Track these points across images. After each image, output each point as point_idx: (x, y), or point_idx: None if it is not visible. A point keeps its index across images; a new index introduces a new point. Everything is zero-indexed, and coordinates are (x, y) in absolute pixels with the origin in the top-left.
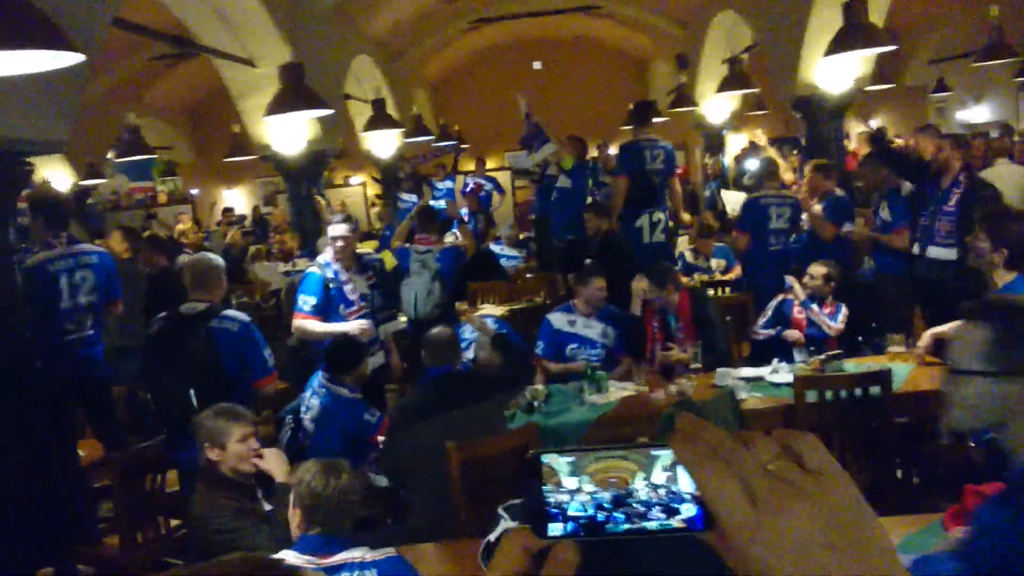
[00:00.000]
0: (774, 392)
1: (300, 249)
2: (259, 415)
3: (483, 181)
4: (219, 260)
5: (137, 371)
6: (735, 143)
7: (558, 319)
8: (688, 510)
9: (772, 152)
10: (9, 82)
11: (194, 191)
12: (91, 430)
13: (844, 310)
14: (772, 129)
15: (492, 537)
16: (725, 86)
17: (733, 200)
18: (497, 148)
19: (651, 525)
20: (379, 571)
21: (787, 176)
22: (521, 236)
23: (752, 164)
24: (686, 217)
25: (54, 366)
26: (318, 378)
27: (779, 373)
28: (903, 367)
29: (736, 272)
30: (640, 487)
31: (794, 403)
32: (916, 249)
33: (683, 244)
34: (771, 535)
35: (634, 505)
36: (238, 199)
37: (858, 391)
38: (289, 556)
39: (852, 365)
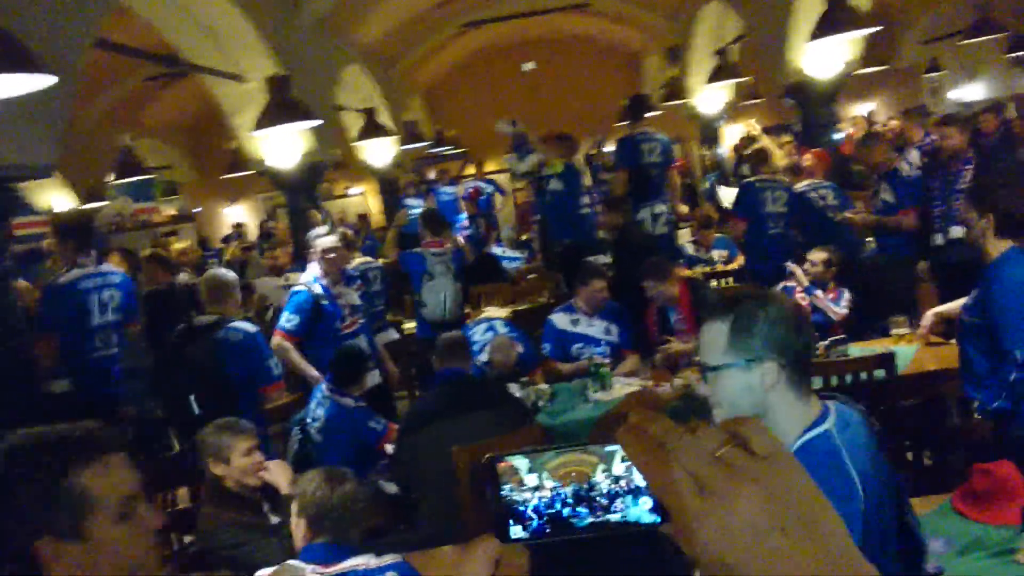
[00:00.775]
0: None
1: (292, 263)
2: (266, 427)
3: (482, 184)
4: (232, 275)
5: (144, 391)
6: (731, 134)
7: (561, 319)
8: (646, 502)
9: (765, 140)
10: None
11: (196, 209)
12: None
13: (847, 295)
14: (766, 117)
15: None
16: (715, 77)
17: (730, 196)
18: (497, 150)
19: (614, 518)
20: None
21: (782, 162)
22: (523, 237)
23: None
24: (683, 209)
25: (81, 384)
26: (321, 389)
27: None
28: (908, 349)
29: (739, 262)
30: (601, 480)
31: None
32: (939, 239)
33: (684, 237)
34: (721, 522)
35: (597, 498)
36: (242, 215)
37: (863, 375)
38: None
39: (856, 349)
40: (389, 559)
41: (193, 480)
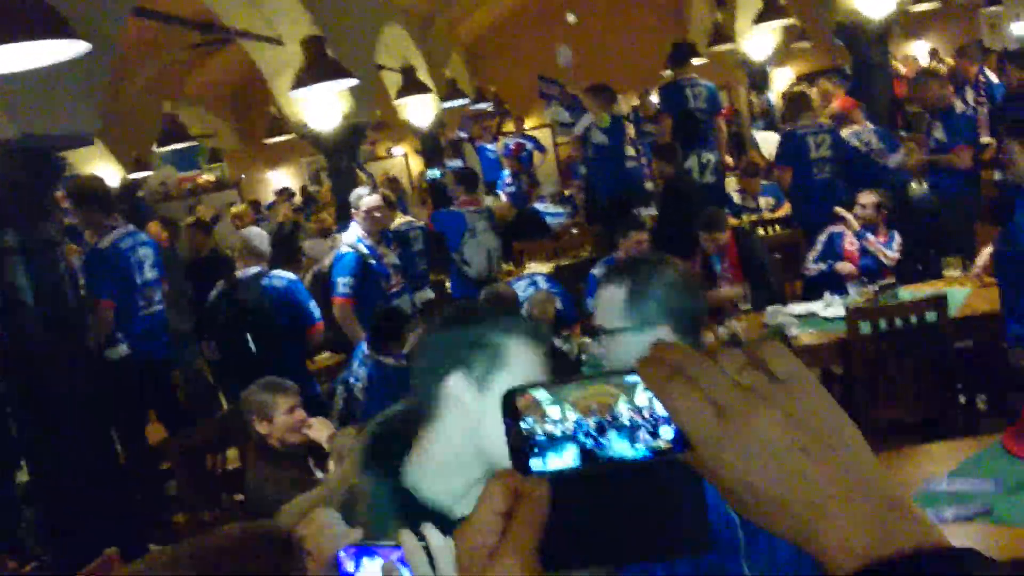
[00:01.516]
0: (827, 327)
1: (337, 224)
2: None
3: (523, 140)
4: (263, 233)
5: (192, 356)
6: (781, 78)
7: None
8: (667, 432)
9: (821, 85)
10: (29, 78)
11: (242, 175)
12: (153, 413)
13: (898, 237)
14: (817, 61)
15: None
16: (762, 18)
17: (765, 140)
18: (537, 106)
19: (637, 448)
20: None
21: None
22: (566, 193)
23: None
24: (728, 161)
25: (134, 347)
26: (362, 348)
27: (832, 307)
28: (960, 291)
29: (786, 209)
30: (623, 410)
31: (847, 336)
32: (996, 175)
33: (731, 185)
34: (740, 444)
35: (619, 429)
36: (285, 180)
37: (913, 319)
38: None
39: (908, 293)
40: None
41: (242, 441)
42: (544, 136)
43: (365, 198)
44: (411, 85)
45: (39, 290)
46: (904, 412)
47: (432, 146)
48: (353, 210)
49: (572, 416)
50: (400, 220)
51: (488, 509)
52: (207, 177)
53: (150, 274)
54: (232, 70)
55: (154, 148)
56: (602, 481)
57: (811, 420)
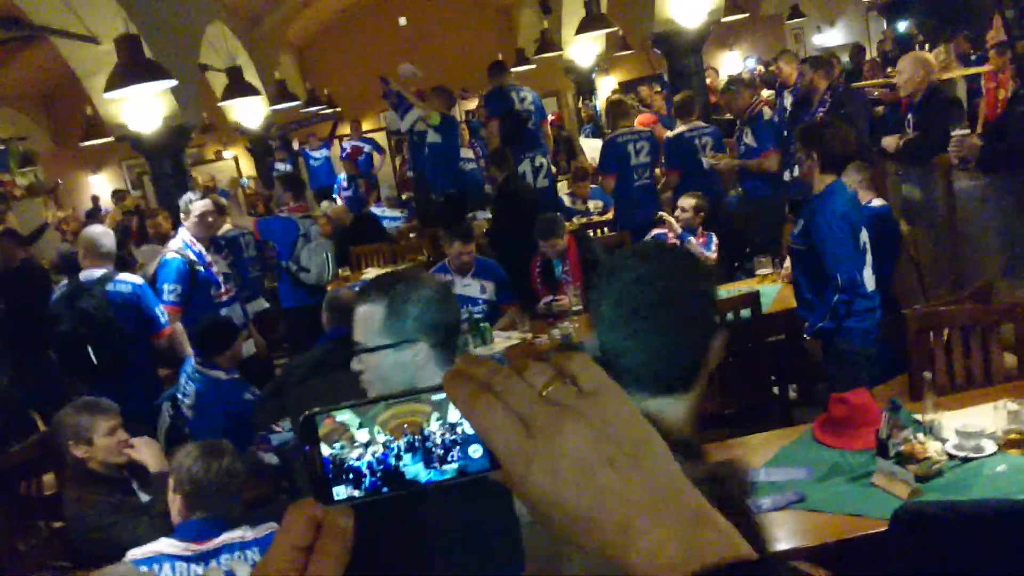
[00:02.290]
0: None
1: (173, 230)
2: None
3: (361, 144)
4: (109, 231)
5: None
6: (605, 86)
7: None
8: (476, 450)
9: (621, 95)
10: None
11: (58, 180)
12: None
13: (715, 239)
14: (637, 68)
15: None
16: (584, 28)
17: (590, 146)
18: (372, 109)
19: (448, 468)
20: (261, 548)
21: (643, 117)
22: (404, 196)
23: None
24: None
25: None
26: (191, 363)
27: None
28: (772, 288)
29: (613, 213)
30: (435, 429)
31: None
32: (786, 176)
33: (561, 189)
34: (548, 461)
35: (431, 449)
36: (105, 184)
37: (730, 315)
38: (164, 545)
39: (724, 291)
40: (266, 529)
41: (59, 465)
42: (381, 139)
43: (196, 202)
44: (237, 86)
45: None
46: (723, 405)
47: (263, 149)
48: (182, 214)
49: (381, 438)
50: (229, 226)
51: (287, 543)
52: (20, 182)
53: None
54: (44, 68)
55: None
56: (411, 504)
57: (618, 432)
